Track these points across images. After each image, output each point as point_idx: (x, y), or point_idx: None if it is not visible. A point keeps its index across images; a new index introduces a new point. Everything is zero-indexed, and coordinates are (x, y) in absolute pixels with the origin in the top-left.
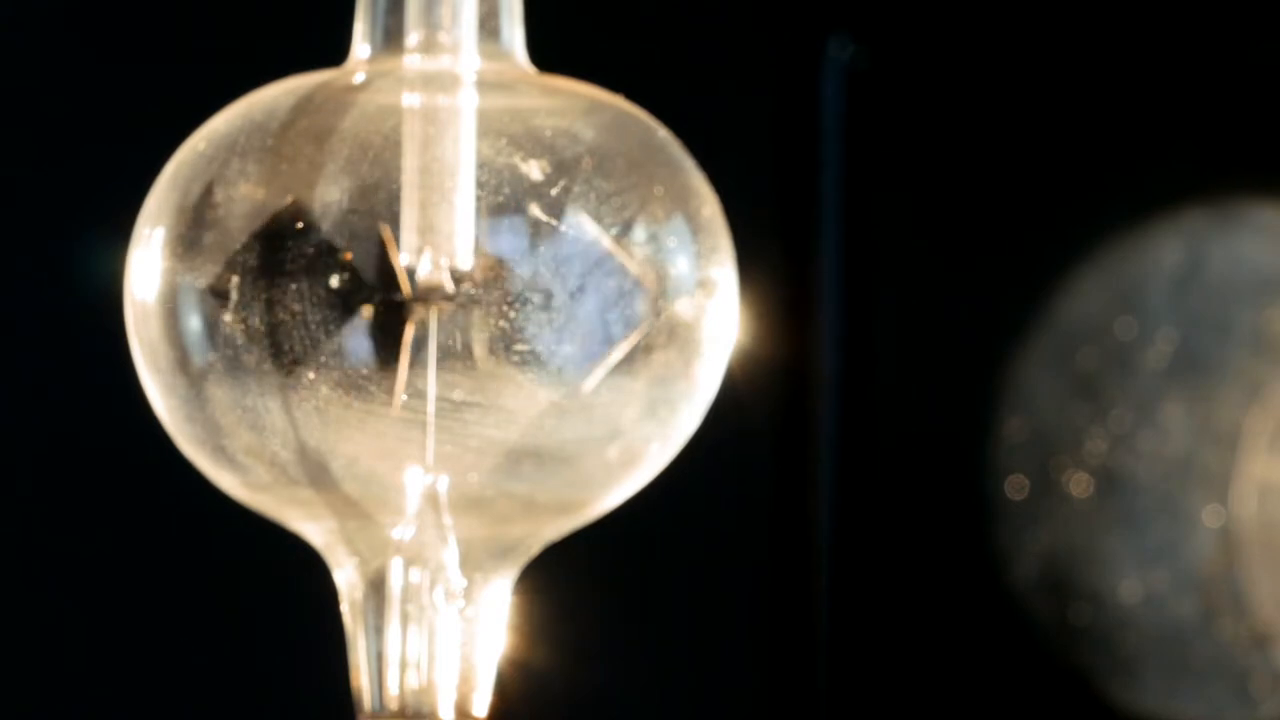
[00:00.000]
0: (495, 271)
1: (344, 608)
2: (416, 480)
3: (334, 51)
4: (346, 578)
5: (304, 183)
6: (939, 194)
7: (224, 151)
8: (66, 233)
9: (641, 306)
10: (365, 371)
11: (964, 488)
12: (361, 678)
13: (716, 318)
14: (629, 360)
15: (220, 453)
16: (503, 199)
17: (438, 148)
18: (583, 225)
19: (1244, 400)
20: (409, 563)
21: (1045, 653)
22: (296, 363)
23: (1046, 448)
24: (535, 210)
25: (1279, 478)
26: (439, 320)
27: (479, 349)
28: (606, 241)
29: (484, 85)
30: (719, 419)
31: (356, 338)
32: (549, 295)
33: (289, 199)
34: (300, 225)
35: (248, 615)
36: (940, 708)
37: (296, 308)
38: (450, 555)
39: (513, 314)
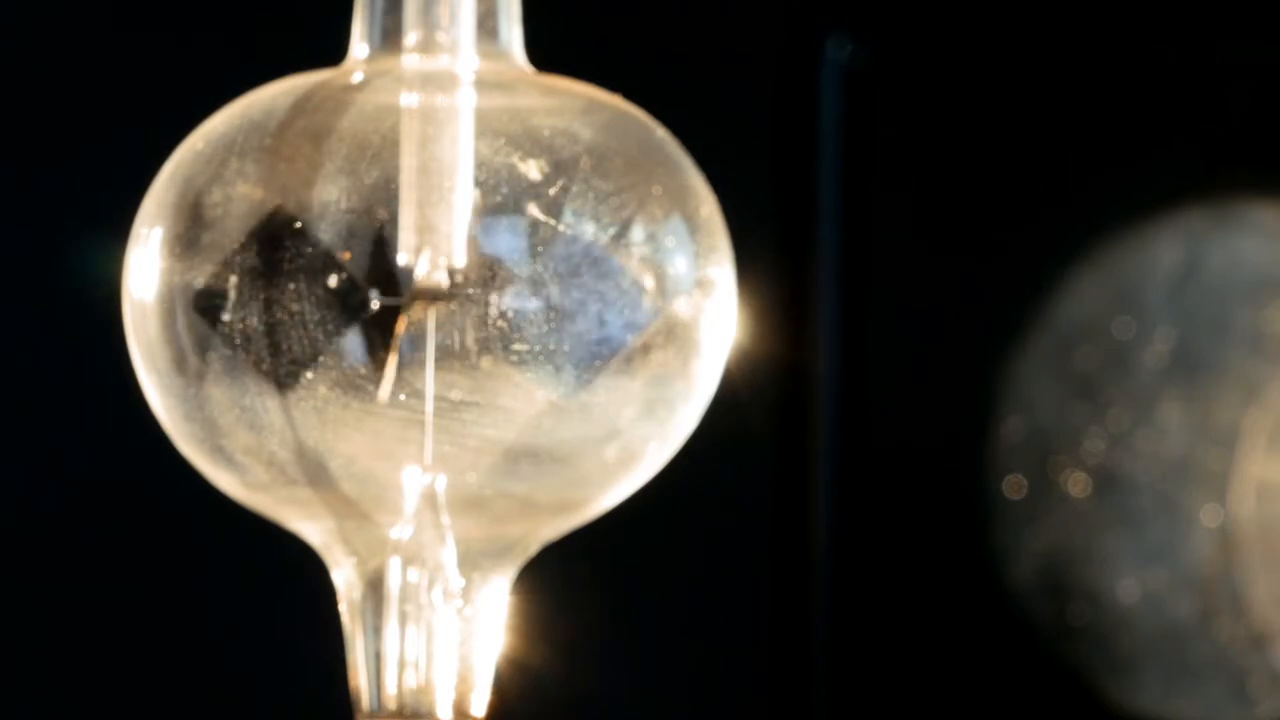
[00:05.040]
0: (493, 271)
1: (342, 607)
2: (414, 480)
3: (332, 51)
4: (345, 577)
5: (302, 182)
6: (937, 193)
7: (222, 151)
8: (66, 233)
9: (640, 306)
10: (363, 371)
11: (962, 487)
12: (360, 677)
13: (715, 317)
14: (627, 360)
15: (218, 452)
16: (501, 198)
17: (436, 147)
18: (581, 225)
19: (1242, 400)
20: (407, 562)
21: (1043, 652)
22: (295, 362)
23: (1045, 447)
24: (533, 210)
25: (1277, 477)
26: (436, 320)
27: (477, 348)
28: (604, 241)
29: (482, 85)
30: (717, 418)
31: (354, 337)
32: (547, 295)
33: (287, 199)
34: (298, 225)
35: (245, 615)
36: (939, 707)
37: (295, 307)
38: (448, 555)
39: (510, 313)
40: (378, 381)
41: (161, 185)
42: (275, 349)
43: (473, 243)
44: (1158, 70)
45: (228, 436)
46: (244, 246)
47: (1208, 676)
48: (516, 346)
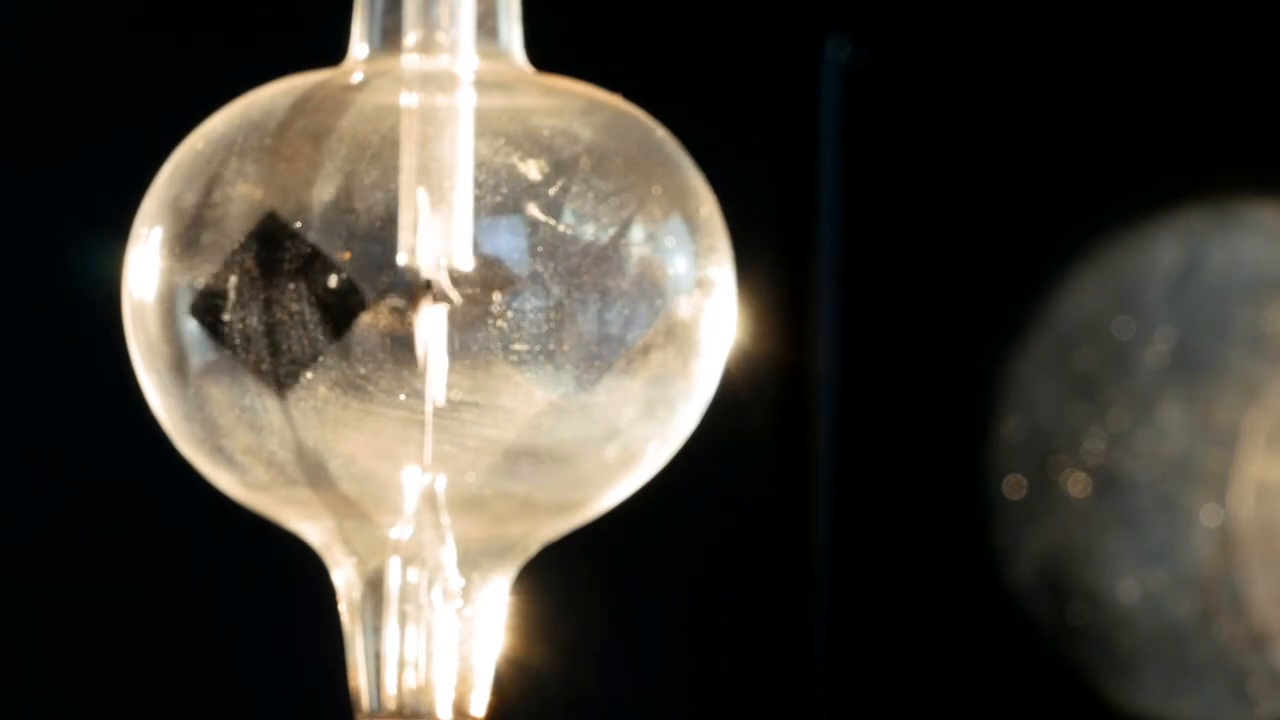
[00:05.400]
0: (493, 271)
1: (342, 607)
2: (414, 480)
3: (332, 51)
4: (344, 577)
5: (302, 182)
6: (937, 193)
7: (222, 151)
8: (66, 233)
9: (640, 306)
10: (363, 371)
11: (962, 487)
12: (359, 677)
13: (714, 317)
14: (627, 360)
15: (218, 452)
16: (501, 199)
17: (436, 147)
18: (581, 225)
19: (1242, 400)
20: (407, 562)
21: (1043, 652)
22: (295, 362)
23: (1045, 447)
24: (533, 210)
25: (1277, 477)
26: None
27: (476, 349)
28: (604, 241)
29: (482, 85)
30: (717, 418)
31: (354, 337)
32: (546, 295)
33: (287, 199)
34: (298, 225)
35: (245, 615)
36: (939, 707)
37: (294, 307)
38: (448, 555)
39: (510, 314)
40: (378, 382)
41: (161, 185)
42: (275, 349)
43: (472, 243)
44: (1158, 70)
45: (228, 436)
46: (244, 246)
47: (1208, 676)
48: (516, 346)
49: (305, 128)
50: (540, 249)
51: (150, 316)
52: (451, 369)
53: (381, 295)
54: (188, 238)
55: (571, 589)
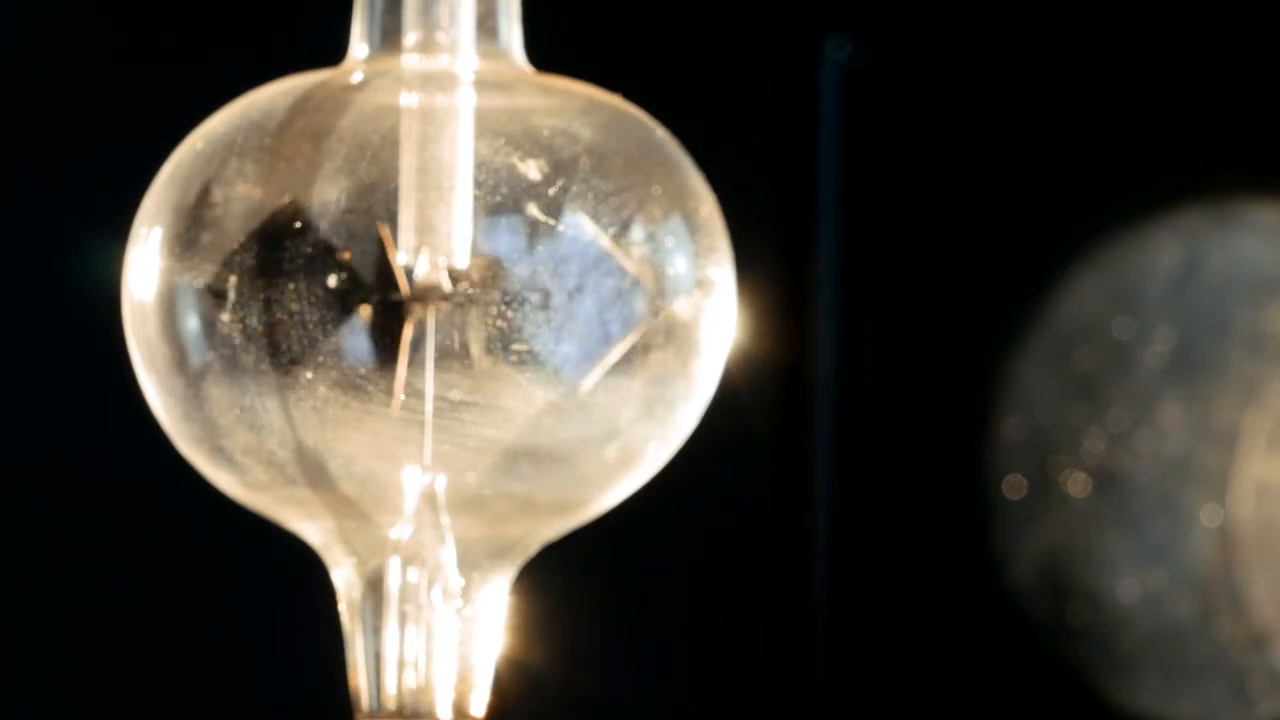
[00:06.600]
0: (493, 271)
1: (342, 607)
2: (414, 480)
3: (332, 51)
4: (344, 577)
5: (302, 182)
6: (936, 193)
7: (222, 151)
8: (65, 233)
9: (639, 306)
10: (363, 371)
11: (962, 487)
12: (359, 677)
13: (714, 317)
14: (627, 360)
15: (218, 452)
16: (500, 198)
17: (435, 147)
18: (580, 225)
19: (1242, 400)
20: (407, 562)
21: (1043, 652)
22: (294, 362)
23: (1044, 447)
24: (533, 210)
25: (1277, 477)
26: (436, 320)
27: (476, 348)
28: (604, 241)
29: (482, 85)
30: (717, 418)
31: (354, 337)
32: (546, 295)
33: (287, 198)
34: (298, 225)
35: (245, 615)
36: (939, 707)
37: (294, 307)
38: (448, 555)
39: (510, 313)
40: (377, 382)
41: (161, 185)
42: (275, 349)
43: (473, 243)
44: (1158, 70)
45: (228, 436)
46: (244, 246)
47: (1208, 676)
48: (516, 346)
49: (305, 128)
50: (540, 249)
51: (150, 316)
52: (451, 369)
53: (382, 295)
54: (188, 238)
55: (571, 589)
